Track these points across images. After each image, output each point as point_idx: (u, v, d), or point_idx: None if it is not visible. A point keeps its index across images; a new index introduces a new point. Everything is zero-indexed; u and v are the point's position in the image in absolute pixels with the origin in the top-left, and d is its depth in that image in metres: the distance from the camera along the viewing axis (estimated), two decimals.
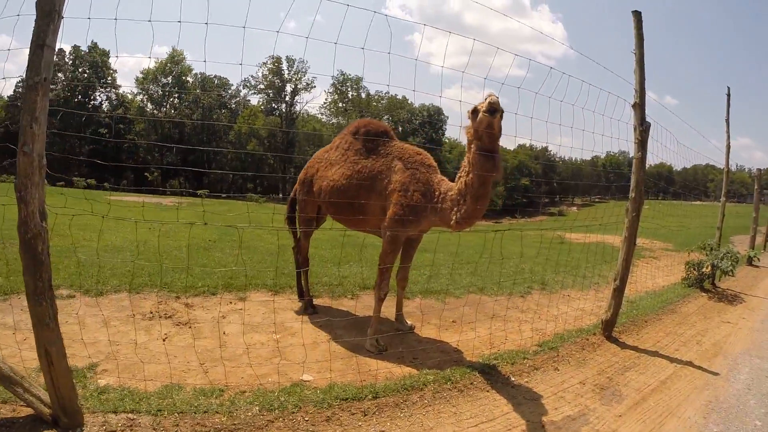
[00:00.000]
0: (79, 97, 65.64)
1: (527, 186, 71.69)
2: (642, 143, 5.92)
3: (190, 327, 5.47)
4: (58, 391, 3.12)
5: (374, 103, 79.31)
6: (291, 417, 3.66)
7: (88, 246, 9.21)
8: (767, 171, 17.22)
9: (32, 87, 2.84)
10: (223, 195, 50.47)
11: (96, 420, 3.36)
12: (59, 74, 64.19)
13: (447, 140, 79.51)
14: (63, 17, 2.93)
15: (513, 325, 6.29)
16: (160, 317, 5.71)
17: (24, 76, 2.91)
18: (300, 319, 6.02)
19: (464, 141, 4.67)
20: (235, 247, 10.54)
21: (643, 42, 5.86)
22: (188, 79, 72.63)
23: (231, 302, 6.49)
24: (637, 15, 5.86)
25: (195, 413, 3.58)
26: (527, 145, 73.30)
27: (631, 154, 6.11)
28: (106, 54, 65.23)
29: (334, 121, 76.48)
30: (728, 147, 11.53)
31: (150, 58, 4.02)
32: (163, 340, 5.04)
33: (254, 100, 78.08)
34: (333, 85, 76.87)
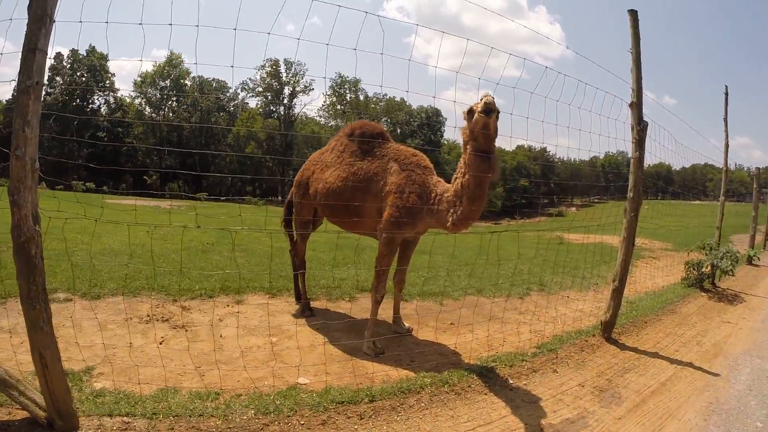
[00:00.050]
0: (77, 100, 65.64)
1: (526, 187, 71.73)
2: (640, 143, 5.89)
3: (186, 330, 5.45)
4: (53, 395, 3.11)
5: (372, 106, 79.26)
6: (286, 420, 3.63)
7: (85, 249, 9.21)
8: (766, 170, 17.21)
9: (24, 91, 2.83)
10: (222, 198, 50.40)
11: (91, 423, 3.35)
12: (57, 78, 64.27)
13: (446, 142, 79.50)
14: (55, 21, 2.93)
15: (511, 327, 6.25)
16: (157, 320, 5.70)
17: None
18: (297, 322, 6.00)
19: (461, 142, 4.64)
20: (233, 249, 10.51)
21: (640, 41, 5.85)
22: (186, 82, 72.66)
23: (228, 305, 6.46)
24: (633, 14, 5.85)
25: (190, 417, 3.57)
26: (526, 146, 73.34)
27: (630, 154, 6.09)
28: (104, 57, 65.30)
29: (332, 123, 76.51)
30: (726, 146, 11.52)
31: (141, 60, 3.99)
32: (160, 344, 5.02)
33: (252, 103, 78.18)
34: (331, 87, 76.89)
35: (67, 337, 4.69)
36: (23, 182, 2.85)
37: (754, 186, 15.84)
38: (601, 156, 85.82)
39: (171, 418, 3.53)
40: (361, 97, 78.72)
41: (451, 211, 4.64)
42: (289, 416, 3.68)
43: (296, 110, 77.91)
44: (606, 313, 6.06)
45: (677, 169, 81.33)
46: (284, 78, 75.88)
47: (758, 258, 14.12)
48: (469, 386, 4.38)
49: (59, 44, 66.21)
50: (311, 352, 5.00)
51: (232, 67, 3.68)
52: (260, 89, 76.13)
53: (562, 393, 4.47)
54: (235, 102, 78.79)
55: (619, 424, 4.01)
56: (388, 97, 78.25)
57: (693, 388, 4.82)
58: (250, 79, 74.84)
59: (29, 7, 2.85)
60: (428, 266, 9.25)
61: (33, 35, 2.84)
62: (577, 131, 5.71)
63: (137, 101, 71.42)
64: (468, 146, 4.43)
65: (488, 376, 4.63)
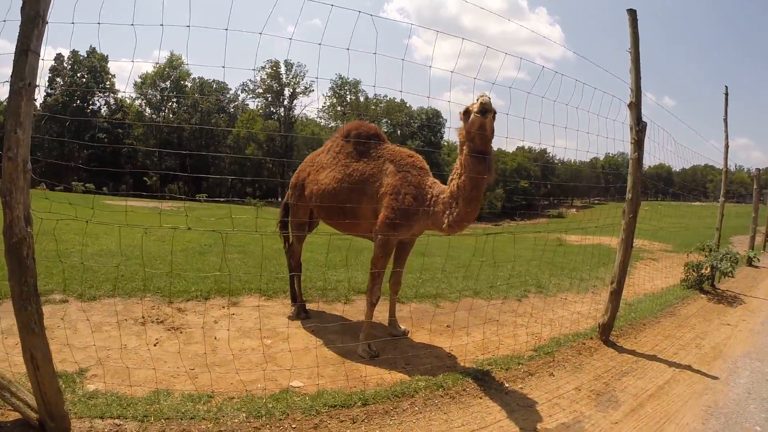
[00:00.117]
0: (78, 101, 65.72)
1: (526, 188, 71.72)
2: (638, 143, 5.85)
3: (181, 332, 5.43)
4: (44, 396, 3.10)
5: (372, 107, 79.31)
6: (278, 424, 3.61)
7: (83, 251, 9.21)
8: (766, 170, 17.16)
9: (17, 92, 2.84)
10: (222, 199, 50.39)
11: (82, 425, 3.35)
12: (58, 79, 64.42)
13: (446, 143, 79.52)
14: (48, 22, 2.93)
15: (508, 330, 6.21)
16: (152, 322, 5.68)
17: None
18: (292, 324, 5.97)
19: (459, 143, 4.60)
20: (230, 251, 10.49)
21: (639, 41, 5.82)
22: (187, 83, 72.74)
23: (223, 307, 6.42)
24: (632, 13, 5.81)
25: (181, 419, 3.55)
26: (526, 147, 73.31)
27: (629, 155, 6.05)
28: (104, 59, 65.41)
29: (332, 124, 76.54)
30: (726, 147, 11.47)
31: (133, 62, 3.95)
32: (154, 345, 5.01)
33: (252, 104, 78.23)
34: (331, 89, 76.93)
35: (61, 338, 4.72)
36: (15, 183, 2.85)
37: (754, 187, 15.79)
38: (602, 157, 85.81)
39: (162, 420, 3.51)
40: (362, 99, 78.75)
41: (447, 212, 4.60)
42: (280, 420, 3.65)
43: (296, 111, 78.03)
44: (604, 315, 6.02)
45: (677, 170, 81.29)
46: (284, 79, 75.94)
47: (758, 259, 14.08)
48: (464, 390, 4.34)
49: (62, 45, 66.49)
50: (305, 355, 4.96)
51: (223, 67, 3.66)
52: (260, 90, 76.20)
53: (558, 397, 4.43)
54: (236, 103, 78.88)
55: (616, 428, 3.97)
56: (388, 98, 78.34)
57: (691, 392, 4.78)
58: (250, 80, 75.04)
59: (22, 8, 2.86)
60: (425, 268, 9.21)
61: (25, 37, 2.84)
62: (577, 132, 5.66)
63: (137, 102, 71.54)
64: (464, 147, 4.40)
65: (483, 379, 4.58)
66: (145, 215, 16.42)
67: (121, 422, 3.44)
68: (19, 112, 2.83)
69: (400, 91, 4.37)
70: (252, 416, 3.66)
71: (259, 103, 77.21)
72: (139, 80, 69.24)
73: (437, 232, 4.96)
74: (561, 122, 5.30)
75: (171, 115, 72.39)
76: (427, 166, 5.20)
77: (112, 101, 69.57)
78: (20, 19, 2.86)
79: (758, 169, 16.14)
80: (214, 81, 75.15)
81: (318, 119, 79.63)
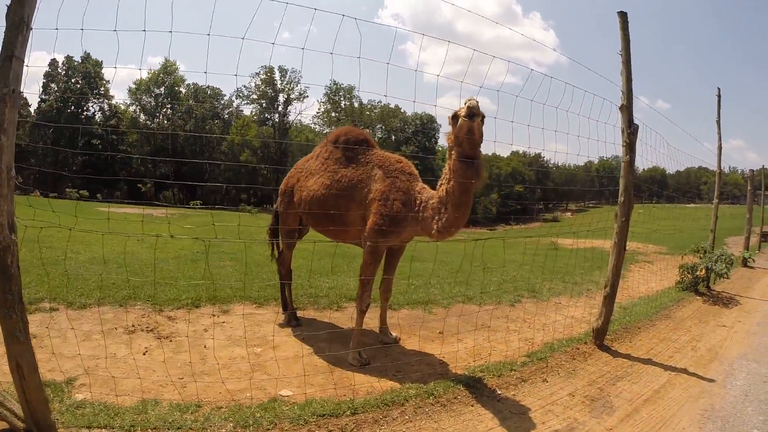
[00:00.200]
0: (72, 107, 65.68)
1: (521, 193, 71.90)
2: (630, 146, 5.82)
3: (170, 340, 5.40)
4: (30, 405, 3.07)
5: (367, 113, 79.51)
6: None
7: (74, 258, 9.21)
8: (760, 172, 17.20)
9: (1, 99, 2.81)
10: (217, 206, 50.34)
11: None
12: (52, 84, 64.48)
13: (440, 148, 79.69)
14: (32, 28, 2.92)
15: (501, 336, 6.15)
16: (142, 330, 5.65)
17: None
18: (282, 332, 5.92)
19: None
20: (223, 258, 10.43)
21: (630, 43, 5.80)
22: (181, 89, 72.80)
23: (214, 315, 6.37)
24: (623, 16, 5.80)
25: (168, 429, 3.52)
26: (521, 151, 73.62)
27: (621, 158, 6.01)
28: (98, 64, 65.45)
29: (327, 130, 76.61)
30: (720, 148, 11.48)
31: (116, 68, 3.91)
32: (143, 354, 4.97)
33: (247, 110, 78.31)
34: (326, 95, 77.07)
35: (51, 347, 4.64)
36: None
37: (748, 188, 15.82)
38: (596, 161, 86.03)
39: (149, 430, 3.49)
40: (356, 104, 78.90)
41: (436, 218, 4.57)
42: (268, 429, 3.60)
43: (291, 117, 78.12)
44: (598, 319, 5.96)
45: (671, 172, 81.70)
46: (279, 85, 76.03)
47: (753, 260, 14.08)
48: (455, 397, 4.27)
49: (59, 51, 66.53)
50: (295, 363, 4.89)
51: (205, 73, 3.63)
52: (255, 96, 76.26)
53: (551, 403, 4.36)
54: (230, 109, 78.92)
55: None
56: (382, 104, 78.54)
57: (687, 395, 4.72)
58: (244, 86, 75.09)
59: (6, 14, 2.85)
60: (417, 274, 9.17)
61: (10, 42, 2.82)
62: (569, 136, 5.63)
63: (132, 108, 71.50)
64: (453, 152, 4.38)
65: (475, 386, 4.51)
66: (137, 223, 16.35)
67: None
68: (3, 119, 2.80)
69: (385, 96, 4.34)
70: (239, 426, 3.60)
71: (254, 110, 77.35)
72: (133, 86, 69.28)
73: (427, 237, 4.90)
74: (553, 126, 5.29)
75: (165, 122, 72.42)
76: (416, 172, 5.16)
77: (106, 107, 69.58)
78: (4, 25, 2.84)
79: (752, 171, 16.21)
80: (208, 87, 75.31)
81: (313, 125, 79.79)
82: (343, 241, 5.68)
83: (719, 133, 11.39)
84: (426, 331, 6.06)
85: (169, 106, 71.10)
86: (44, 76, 63.15)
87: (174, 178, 58.46)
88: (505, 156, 74.64)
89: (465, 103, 4.09)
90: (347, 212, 5.16)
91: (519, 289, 8.69)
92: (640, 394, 4.70)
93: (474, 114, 4.04)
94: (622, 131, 5.84)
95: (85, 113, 68.12)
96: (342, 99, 78.62)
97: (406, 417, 3.91)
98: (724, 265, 9.35)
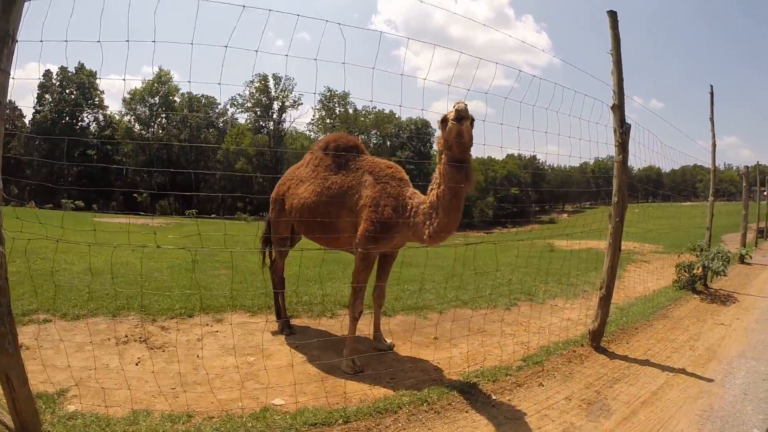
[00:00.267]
0: (67, 118, 65.67)
1: (517, 195, 71.88)
2: (623, 146, 5.78)
3: (163, 351, 5.35)
4: (21, 417, 3.06)
5: (362, 118, 79.61)
6: None
7: (68, 269, 9.12)
8: (755, 168, 17.22)
9: None
10: (212, 215, 50.26)
11: None
12: (46, 95, 64.53)
13: (435, 153, 79.82)
14: (17, 41, 2.92)
15: (496, 340, 6.09)
16: (135, 341, 5.60)
17: None
18: (276, 341, 5.88)
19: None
20: (218, 267, 10.37)
21: (620, 42, 5.79)
22: (175, 99, 72.84)
23: (207, 324, 6.31)
24: (613, 15, 5.77)
25: None
26: (516, 154, 73.59)
27: (614, 158, 5.97)
28: (93, 75, 65.51)
29: (322, 137, 76.67)
30: (714, 146, 11.51)
31: (100, 78, 3.91)
32: (136, 365, 4.93)
33: (242, 118, 78.38)
34: (320, 101, 77.15)
35: (44, 358, 4.62)
36: None
37: (744, 185, 15.89)
38: (591, 161, 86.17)
39: None
40: (351, 111, 78.99)
41: (428, 223, 4.52)
42: None
43: (286, 125, 78.15)
44: (594, 321, 5.91)
45: (667, 171, 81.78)
46: (273, 93, 76.09)
47: (750, 256, 14.12)
48: (449, 404, 4.21)
49: (51, 62, 66.77)
50: (288, 372, 4.81)
51: (189, 82, 3.58)
52: (249, 105, 76.35)
53: (547, 408, 4.30)
54: (225, 118, 78.99)
55: None
56: (377, 110, 78.66)
57: (686, 396, 4.67)
58: (239, 94, 75.20)
59: None
60: (412, 279, 9.11)
61: None
62: (562, 137, 5.62)
63: (126, 118, 71.53)
64: (443, 156, 4.36)
65: (470, 392, 4.46)
66: (135, 233, 16.26)
67: None
68: None
69: (370, 101, 4.33)
70: None
71: (248, 118, 77.41)
72: (128, 96, 69.34)
73: (419, 243, 4.86)
74: (546, 128, 5.28)
75: (160, 131, 72.42)
76: (406, 177, 5.13)
77: (101, 117, 69.62)
78: None
79: (747, 167, 16.26)
80: (203, 96, 75.36)
81: (308, 132, 79.84)
82: (334, 249, 5.64)
83: (713, 131, 11.43)
84: (421, 337, 6.01)
85: (163, 115, 71.14)
86: (38, 87, 63.25)
87: (169, 188, 58.34)
88: (501, 159, 74.67)
89: (454, 107, 4.06)
90: (338, 219, 5.12)
91: (515, 292, 8.64)
92: (637, 396, 4.65)
93: (463, 117, 4.01)
94: (615, 131, 5.82)
95: (79, 124, 68.22)
96: (336, 105, 78.71)
97: (399, 425, 3.85)
98: (720, 263, 9.32)
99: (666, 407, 4.42)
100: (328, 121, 77.96)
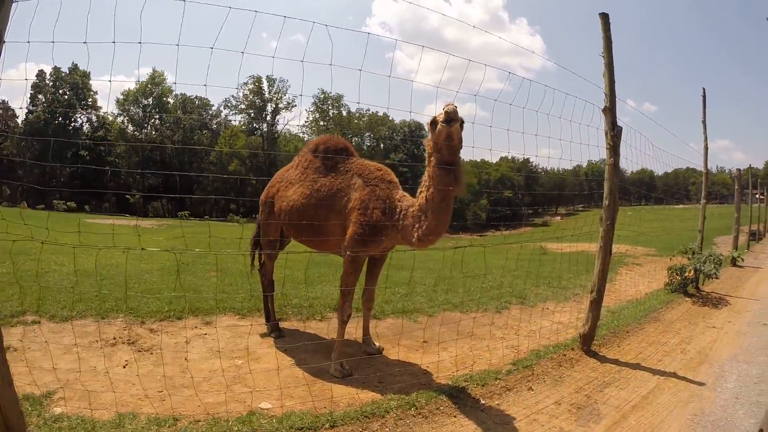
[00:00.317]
0: (60, 119, 65.42)
1: (510, 198, 72.04)
2: (614, 148, 5.76)
3: (151, 353, 5.30)
4: (6, 419, 3.03)
5: (355, 121, 79.64)
6: None
7: (58, 270, 9.09)
8: (747, 171, 17.27)
9: None
10: (205, 217, 50.12)
11: None
12: (40, 96, 64.28)
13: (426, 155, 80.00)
14: (5, 41, 2.89)
15: (487, 343, 6.04)
16: (123, 343, 5.56)
17: None
18: (264, 344, 5.83)
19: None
20: (208, 269, 10.29)
21: (612, 45, 5.78)
22: (169, 100, 72.67)
23: (196, 327, 6.28)
24: (605, 17, 5.77)
25: None
26: (509, 157, 73.81)
27: (606, 161, 5.95)
28: (86, 75, 65.28)
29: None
30: (706, 148, 11.52)
31: (91, 79, 3.86)
32: (123, 367, 4.89)
33: (235, 120, 78.27)
34: (314, 103, 77.09)
35: (31, 360, 4.65)
36: None
37: (736, 187, 15.98)
38: (584, 164, 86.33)
39: None
40: (344, 113, 79.00)
41: (417, 226, 4.49)
42: None
43: (279, 127, 78.08)
44: (585, 325, 5.88)
45: (659, 174, 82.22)
46: (267, 95, 76.00)
47: (742, 259, 14.16)
48: (437, 408, 4.17)
49: (44, 62, 66.66)
50: (276, 375, 4.77)
51: (175, 83, 3.56)
52: (243, 106, 76.24)
53: (537, 412, 4.26)
54: (218, 119, 78.87)
55: None
56: (370, 112, 78.71)
57: (677, 400, 4.65)
58: (233, 96, 75.10)
59: None
60: (404, 282, 9.06)
61: None
62: (553, 140, 5.60)
63: (119, 119, 71.27)
64: (432, 158, 4.35)
65: (459, 396, 4.41)
66: (125, 235, 16.19)
67: None
68: None
69: (358, 103, 4.31)
70: None
71: (242, 119, 77.33)
72: (121, 97, 69.09)
73: (408, 246, 4.81)
74: (539, 131, 5.24)
75: (153, 132, 72.23)
76: (396, 179, 5.10)
77: (94, 118, 69.38)
78: None
79: (739, 170, 16.34)
80: (196, 97, 75.28)
81: (301, 134, 79.81)
82: (323, 251, 5.62)
83: (705, 134, 11.45)
84: (410, 341, 5.98)
85: (157, 116, 70.96)
86: (32, 87, 63.02)
87: (162, 189, 58.17)
88: (494, 162, 74.93)
89: (443, 108, 4.03)
90: (327, 222, 5.09)
91: (505, 295, 8.62)
92: (628, 400, 4.63)
93: (452, 119, 3.98)
94: (606, 134, 5.81)
95: (72, 124, 68.00)
96: (330, 108, 78.68)
97: (387, 429, 3.81)
98: (712, 266, 9.33)
99: (657, 411, 4.40)
100: (321, 123, 77.94)
